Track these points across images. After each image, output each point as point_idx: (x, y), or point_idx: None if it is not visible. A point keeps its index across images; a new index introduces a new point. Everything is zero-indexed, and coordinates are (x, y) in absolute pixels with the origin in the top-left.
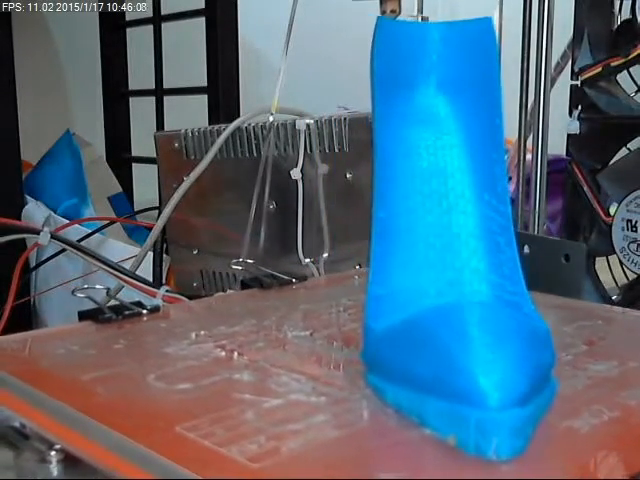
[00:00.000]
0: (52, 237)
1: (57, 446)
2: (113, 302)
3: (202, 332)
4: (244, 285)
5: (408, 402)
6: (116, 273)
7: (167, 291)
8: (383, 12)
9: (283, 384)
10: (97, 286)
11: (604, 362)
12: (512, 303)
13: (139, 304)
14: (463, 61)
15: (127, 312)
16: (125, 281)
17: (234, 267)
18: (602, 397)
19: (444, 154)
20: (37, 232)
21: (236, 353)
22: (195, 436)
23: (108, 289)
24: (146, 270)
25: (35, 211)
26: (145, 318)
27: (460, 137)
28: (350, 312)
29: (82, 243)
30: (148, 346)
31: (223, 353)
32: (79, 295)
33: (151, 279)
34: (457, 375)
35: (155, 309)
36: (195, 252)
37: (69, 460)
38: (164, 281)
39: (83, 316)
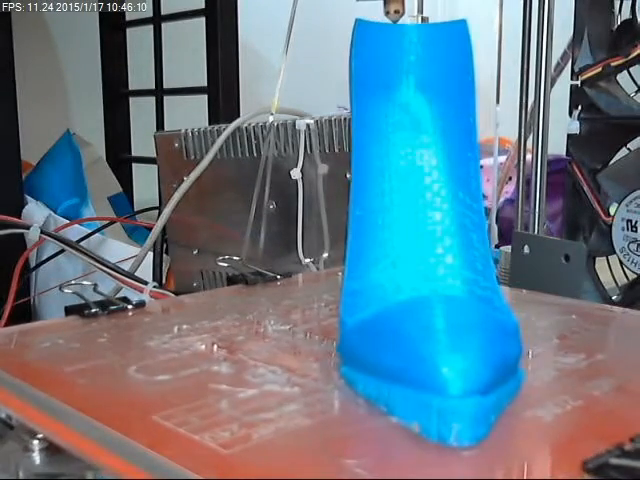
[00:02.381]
0: (42, 232)
1: (40, 435)
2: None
3: (185, 326)
4: (230, 281)
5: (377, 392)
6: (104, 268)
7: (155, 287)
8: (387, 13)
9: (259, 375)
10: (85, 282)
11: (573, 355)
12: (484, 297)
13: (125, 299)
14: (440, 62)
15: (112, 307)
16: (113, 276)
17: (220, 264)
18: (567, 388)
19: (422, 153)
20: (27, 227)
21: (216, 346)
22: (170, 424)
23: (95, 285)
24: (146, 270)
25: (35, 211)
26: (130, 313)
27: (437, 136)
28: (331, 307)
29: (82, 243)
30: (131, 339)
31: (203, 346)
32: (66, 291)
33: (151, 279)
34: (421, 364)
35: (140, 304)
36: (195, 252)
37: (51, 449)
38: (164, 281)
39: (69, 311)
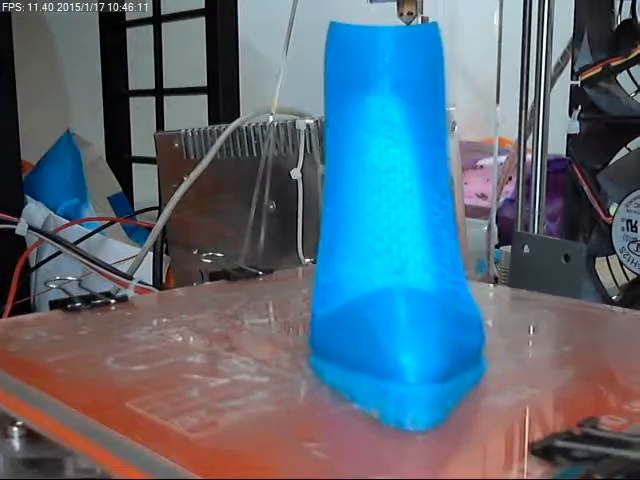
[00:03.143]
0: (29, 228)
1: (19, 422)
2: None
3: (164, 320)
4: (212, 277)
5: (342, 381)
6: (88, 263)
7: (139, 282)
8: (400, 14)
9: (231, 366)
10: (69, 277)
11: (540, 346)
12: (451, 291)
13: (108, 294)
14: (414, 64)
15: (95, 302)
16: (98, 271)
17: (204, 260)
18: (529, 377)
19: (394, 152)
20: (14, 223)
21: (192, 338)
22: (143, 410)
23: (80, 280)
24: (146, 270)
25: (35, 211)
26: (113, 307)
27: (410, 136)
28: (309, 302)
29: (82, 243)
30: (111, 332)
31: (181, 338)
32: (51, 286)
33: (151, 279)
34: (381, 354)
35: (123, 299)
36: (195, 252)
37: (30, 435)
38: (164, 281)
39: (54, 305)
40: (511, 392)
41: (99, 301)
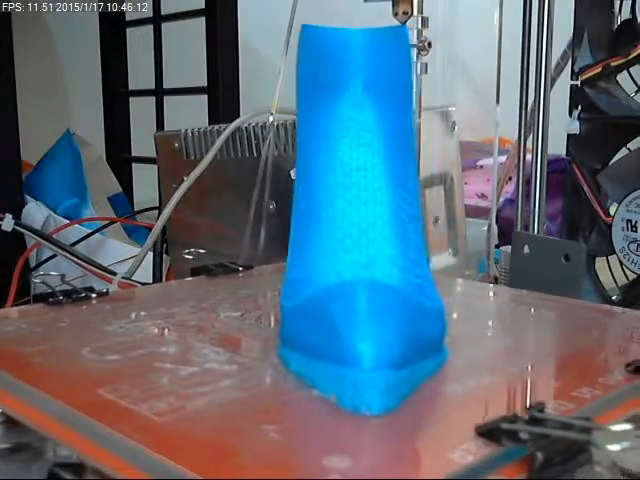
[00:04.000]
0: (16, 224)
1: None
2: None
3: (142, 313)
4: (193, 273)
5: (305, 368)
6: (73, 258)
7: (123, 277)
8: (396, 14)
9: (202, 355)
10: (52, 272)
11: (503, 337)
12: (416, 285)
13: (90, 289)
14: (384, 65)
15: (77, 295)
16: (82, 267)
17: (186, 257)
18: (488, 365)
19: (365, 150)
20: (0, 218)
21: (167, 330)
22: (113, 396)
23: (63, 275)
24: (146, 270)
25: (35, 211)
26: (94, 301)
27: (380, 135)
28: None
29: (82, 243)
30: (90, 325)
31: (156, 330)
32: (36, 281)
33: (151, 279)
34: (341, 341)
35: (104, 293)
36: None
37: (9, 422)
38: (164, 281)
39: (36, 299)
40: (469, 379)
41: (81, 295)
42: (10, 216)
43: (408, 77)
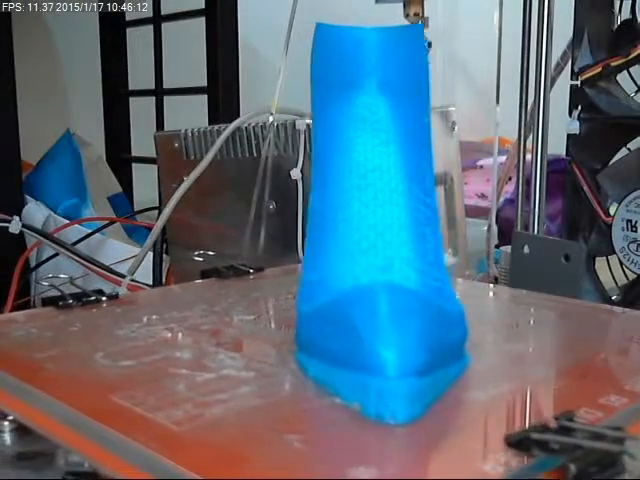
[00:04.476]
0: (23, 226)
1: (10, 417)
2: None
3: (154, 316)
4: (203, 275)
5: (325, 375)
6: (81, 260)
7: (132, 280)
8: (407, 15)
9: (218, 361)
10: (61, 275)
11: (520, 343)
12: (435, 288)
13: (100, 292)
14: (399, 64)
15: (87, 299)
16: (90, 269)
17: (196, 259)
18: (508, 372)
19: (381, 151)
20: (8, 221)
21: (180, 334)
22: (128, 404)
23: (71, 277)
24: (146, 270)
25: (35, 211)
26: (104, 305)
27: (396, 135)
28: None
29: (82, 243)
30: (101, 329)
31: (169, 334)
32: (44, 284)
33: (151, 279)
34: (363, 348)
35: (114, 296)
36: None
37: (20, 429)
38: (164, 281)
39: (46, 302)
40: (490, 386)
41: (91, 298)
42: (17, 218)
43: (424, 76)
